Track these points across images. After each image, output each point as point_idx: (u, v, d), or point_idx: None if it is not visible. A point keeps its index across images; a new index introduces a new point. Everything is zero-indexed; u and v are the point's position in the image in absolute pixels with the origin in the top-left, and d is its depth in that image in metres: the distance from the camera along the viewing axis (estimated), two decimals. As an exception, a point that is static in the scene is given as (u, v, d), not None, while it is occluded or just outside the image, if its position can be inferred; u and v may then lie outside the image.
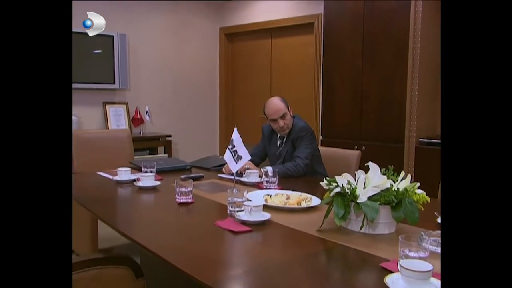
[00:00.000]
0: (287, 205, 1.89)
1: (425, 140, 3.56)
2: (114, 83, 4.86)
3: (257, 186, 2.38)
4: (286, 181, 2.45)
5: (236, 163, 2.15)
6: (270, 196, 2.02)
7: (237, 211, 1.74)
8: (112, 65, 4.83)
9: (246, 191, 1.86)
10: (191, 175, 2.59)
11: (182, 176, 2.50)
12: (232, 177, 2.56)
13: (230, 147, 2.15)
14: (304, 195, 2.00)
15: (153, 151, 5.13)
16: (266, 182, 2.33)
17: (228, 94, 6.00)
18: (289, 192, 2.07)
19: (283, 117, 2.78)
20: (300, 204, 1.90)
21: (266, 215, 1.69)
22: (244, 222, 1.65)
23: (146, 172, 2.42)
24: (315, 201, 1.95)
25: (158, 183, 2.34)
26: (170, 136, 5.15)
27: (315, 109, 4.78)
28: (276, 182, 2.32)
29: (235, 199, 1.78)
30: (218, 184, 2.48)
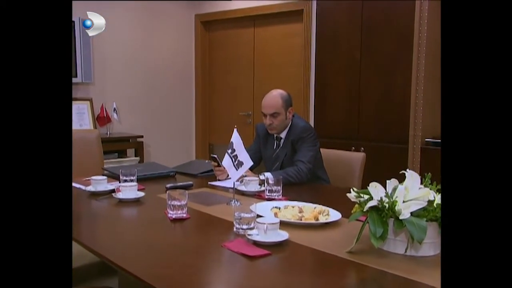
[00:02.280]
0: (303, 221, 1.72)
1: (432, 140, 3.46)
2: (76, 76, 4.57)
3: (258, 196, 2.21)
4: (287, 189, 2.27)
5: (237, 169, 1.97)
6: (279, 208, 1.85)
7: (247, 229, 1.56)
8: (73, 56, 4.54)
9: (254, 205, 1.67)
10: (179, 184, 2.38)
11: (168, 185, 2.30)
12: (227, 185, 2.39)
13: (229, 151, 1.97)
14: (320, 207, 1.84)
15: (122, 154, 4.85)
16: (269, 191, 2.15)
17: (205, 90, 5.79)
18: (301, 204, 1.90)
19: (273, 115, 2.63)
20: (318, 219, 1.73)
21: (284, 235, 1.52)
22: (257, 243, 1.48)
23: (125, 181, 2.19)
24: (333, 214, 1.79)
25: (141, 194, 2.13)
26: (141, 136, 4.90)
27: (304, 106, 4.64)
28: (281, 191, 2.16)
29: (243, 215, 1.60)
30: (211, 194, 2.28)
